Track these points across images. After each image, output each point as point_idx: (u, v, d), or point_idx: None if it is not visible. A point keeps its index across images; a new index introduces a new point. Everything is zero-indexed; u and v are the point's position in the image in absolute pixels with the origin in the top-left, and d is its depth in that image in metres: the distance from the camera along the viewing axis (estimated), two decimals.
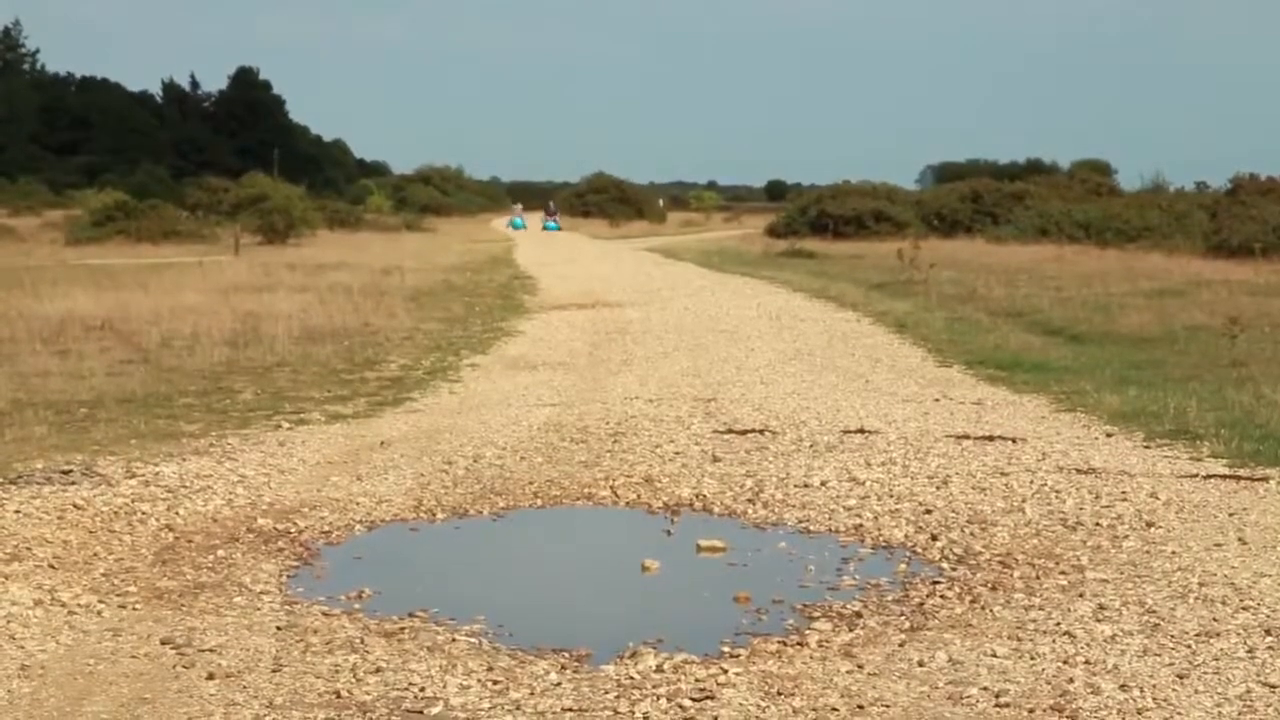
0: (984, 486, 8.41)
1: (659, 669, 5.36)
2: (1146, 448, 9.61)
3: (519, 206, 78.43)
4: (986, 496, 8.18)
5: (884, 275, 25.67)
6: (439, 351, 15.38)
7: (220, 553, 7.07)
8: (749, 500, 8.27)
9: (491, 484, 8.63)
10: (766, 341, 16.31)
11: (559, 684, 5.22)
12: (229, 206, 46.28)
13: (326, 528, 7.66)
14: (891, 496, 8.24)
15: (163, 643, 5.61)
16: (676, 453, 9.51)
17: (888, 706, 4.97)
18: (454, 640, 5.76)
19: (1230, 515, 7.62)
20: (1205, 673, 5.23)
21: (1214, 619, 5.84)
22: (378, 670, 5.34)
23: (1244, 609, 5.97)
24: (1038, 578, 6.57)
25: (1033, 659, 5.42)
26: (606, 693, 5.12)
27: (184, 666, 5.35)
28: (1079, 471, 8.77)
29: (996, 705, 4.95)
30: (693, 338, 16.67)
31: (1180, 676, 5.19)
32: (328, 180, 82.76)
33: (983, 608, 6.14)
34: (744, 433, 10.21)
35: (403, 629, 5.90)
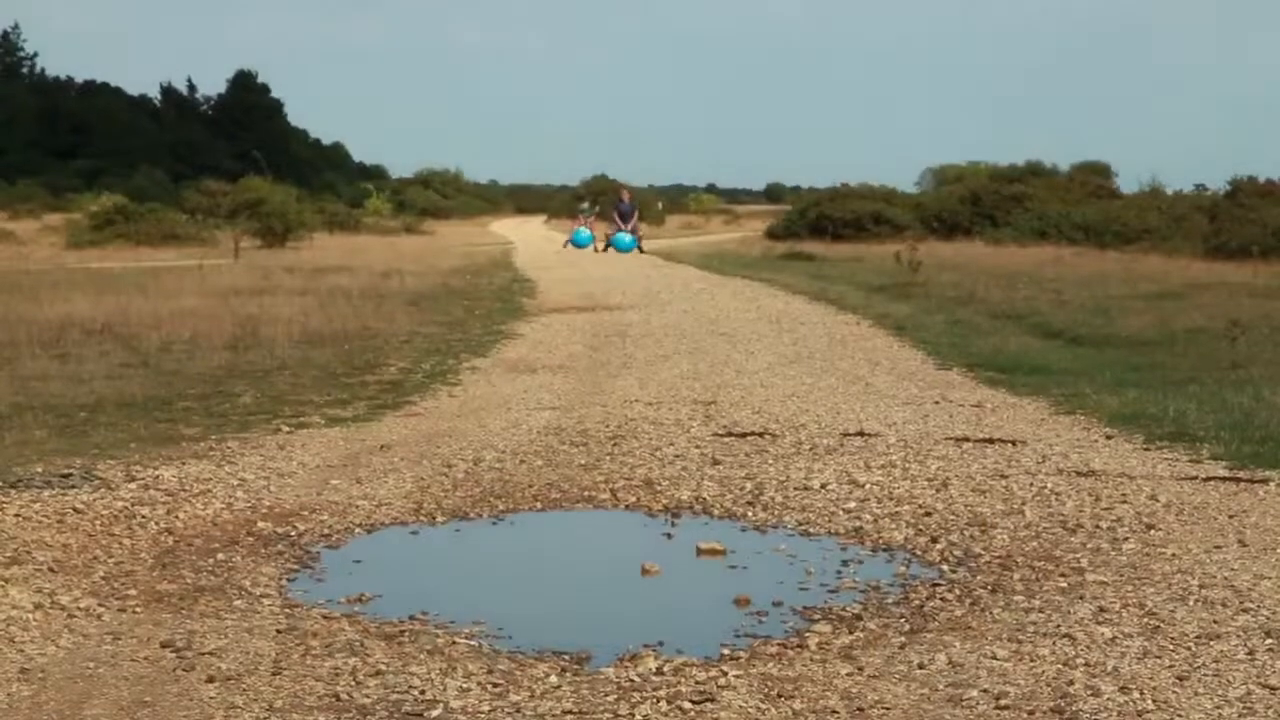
0: (984, 489, 8.41)
1: (659, 671, 5.36)
2: (1146, 450, 9.61)
3: (591, 207, 45.78)
4: (986, 499, 8.18)
5: (884, 278, 25.67)
6: (438, 355, 15.38)
7: (220, 556, 7.07)
8: (749, 503, 8.27)
9: (491, 487, 8.63)
10: (766, 344, 16.31)
11: (559, 686, 5.22)
12: (227, 210, 46.25)
13: (326, 531, 7.67)
14: (891, 499, 8.24)
15: (163, 646, 5.62)
16: (676, 455, 9.51)
17: (888, 709, 4.97)
18: (454, 643, 5.76)
19: (1230, 517, 7.62)
20: (1205, 675, 5.23)
21: (1214, 621, 5.85)
22: (378, 673, 5.34)
23: (1244, 611, 5.97)
24: (1037, 580, 6.57)
25: (1033, 661, 5.42)
26: (606, 695, 5.13)
27: (184, 670, 5.36)
28: (1079, 474, 8.77)
29: (997, 707, 4.95)
30: (692, 341, 16.67)
31: (1180, 678, 5.19)
32: (327, 184, 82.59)
33: (983, 610, 6.14)
34: (744, 435, 10.21)
35: (403, 632, 5.90)
